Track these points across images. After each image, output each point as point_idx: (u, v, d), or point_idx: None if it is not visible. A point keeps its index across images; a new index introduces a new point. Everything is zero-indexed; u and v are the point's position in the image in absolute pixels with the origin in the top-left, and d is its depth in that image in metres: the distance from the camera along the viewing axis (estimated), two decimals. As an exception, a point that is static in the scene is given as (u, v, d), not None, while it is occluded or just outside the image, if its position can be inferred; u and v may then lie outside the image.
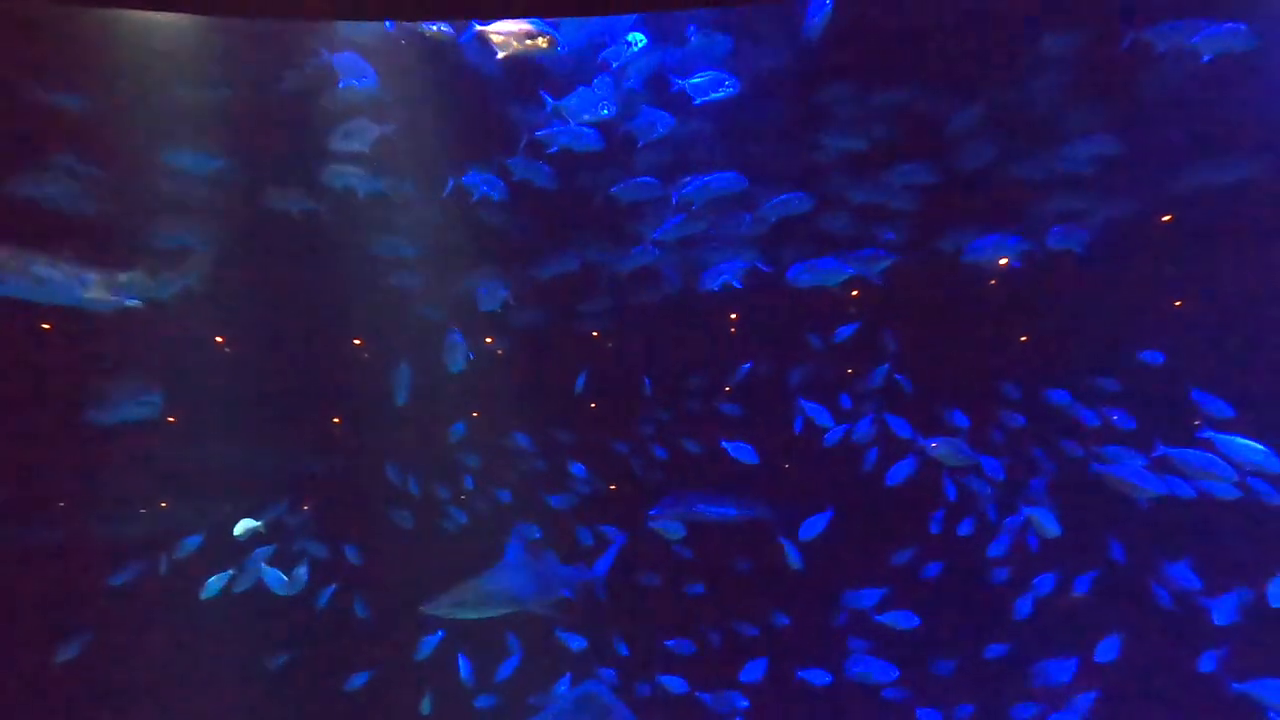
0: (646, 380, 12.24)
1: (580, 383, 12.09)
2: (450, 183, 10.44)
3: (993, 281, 11.60)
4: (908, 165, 10.64)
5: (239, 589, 11.10)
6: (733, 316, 12.44)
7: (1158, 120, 10.19)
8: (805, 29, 9.61)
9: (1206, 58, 9.16)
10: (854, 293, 11.70)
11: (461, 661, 11.50)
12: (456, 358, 11.57)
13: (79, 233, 10.40)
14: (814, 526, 10.76)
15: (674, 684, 11.30)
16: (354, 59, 9.55)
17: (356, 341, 12.50)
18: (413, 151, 10.50)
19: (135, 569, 11.46)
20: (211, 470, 12.10)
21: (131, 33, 9.44)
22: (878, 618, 10.95)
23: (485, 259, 11.70)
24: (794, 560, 10.70)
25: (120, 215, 10.81)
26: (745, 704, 11.37)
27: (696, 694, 11.41)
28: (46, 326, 11.31)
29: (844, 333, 11.34)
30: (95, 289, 10.42)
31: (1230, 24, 9.18)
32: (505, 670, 11.75)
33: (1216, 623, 10.19)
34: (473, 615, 10.75)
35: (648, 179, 10.42)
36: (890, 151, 10.72)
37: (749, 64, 9.79)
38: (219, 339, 12.15)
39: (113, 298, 10.55)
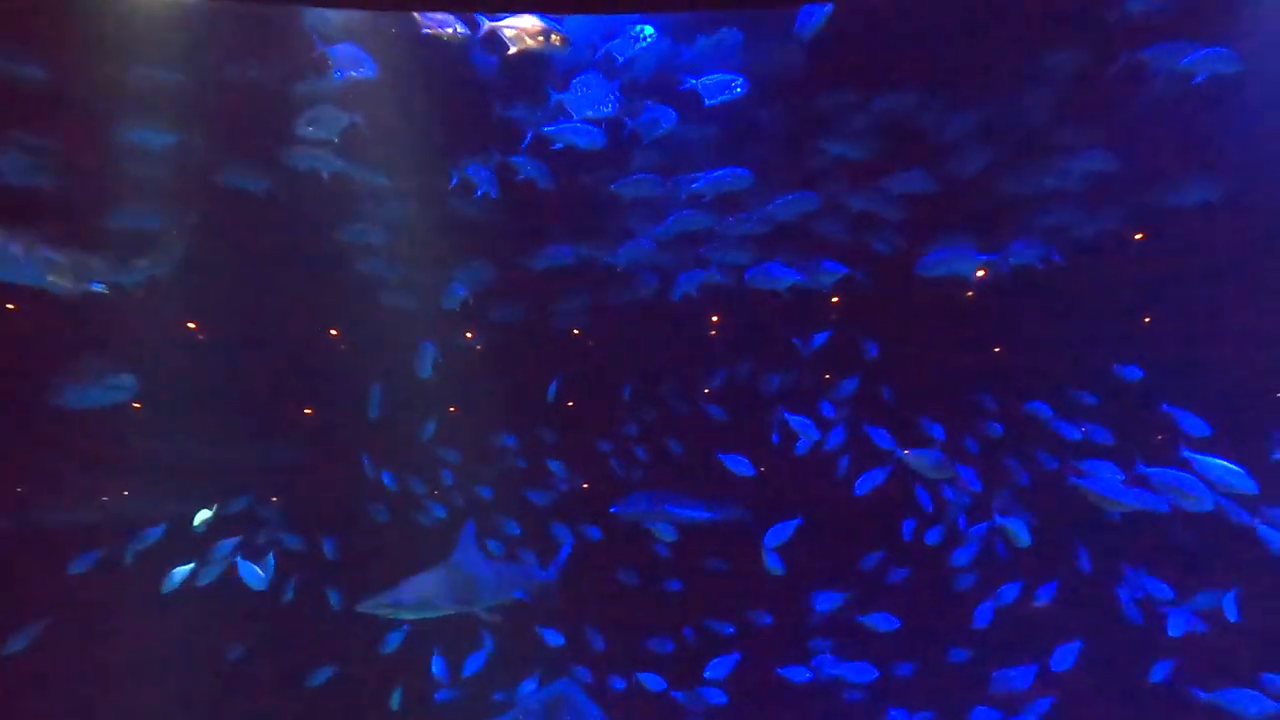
0: (626, 384, 12.25)
1: (553, 390, 12.04)
2: (455, 176, 10.32)
3: (970, 294, 11.76)
4: (892, 174, 10.74)
5: (204, 581, 10.91)
6: (714, 319, 12.49)
7: (1140, 138, 10.42)
8: (798, 28, 9.63)
9: (1200, 78, 9.37)
10: (834, 299, 11.79)
11: (435, 656, 11.38)
12: (425, 364, 11.61)
13: (39, 212, 10.20)
14: (782, 533, 10.80)
15: (650, 681, 11.29)
16: (352, 49, 9.38)
17: (333, 333, 12.30)
18: (407, 143, 10.39)
19: (96, 558, 11.12)
20: (177, 460, 11.85)
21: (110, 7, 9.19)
22: (860, 618, 11.05)
23: (467, 254, 11.60)
24: (774, 566, 10.74)
25: (84, 196, 10.56)
26: (723, 700, 11.40)
27: (670, 692, 11.42)
28: (11, 307, 10.97)
29: (818, 340, 11.41)
30: (60, 272, 10.11)
31: (1216, 48, 9.41)
32: (473, 665, 11.62)
33: (1171, 634, 10.48)
34: (411, 616, 10.58)
35: (646, 175, 10.43)
36: (875, 160, 10.81)
37: (749, 66, 9.85)
38: (191, 325, 11.88)
39: (78, 282, 10.25)
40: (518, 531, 12.35)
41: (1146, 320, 11.67)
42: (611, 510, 12.03)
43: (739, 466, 10.96)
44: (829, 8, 9.49)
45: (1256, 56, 9.47)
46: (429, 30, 8.64)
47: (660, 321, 12.07)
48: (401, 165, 10.72)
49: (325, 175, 10.51)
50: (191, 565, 10.82)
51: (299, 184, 10.68)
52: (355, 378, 11.95)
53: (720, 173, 10.18)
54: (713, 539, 12.31)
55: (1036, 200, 10.84)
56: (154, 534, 11.12)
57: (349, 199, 11.10)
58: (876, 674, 11.09)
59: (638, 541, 12.05)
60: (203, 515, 11.07)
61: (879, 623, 10.97)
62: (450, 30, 8.58)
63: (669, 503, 12.15)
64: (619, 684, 11.63)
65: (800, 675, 11.20)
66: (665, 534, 11.55)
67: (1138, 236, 11.43)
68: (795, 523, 10.74)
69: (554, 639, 11.45)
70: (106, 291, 10.54)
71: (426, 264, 11.65)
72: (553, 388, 12.03)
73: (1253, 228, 10.52)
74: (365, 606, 10.16)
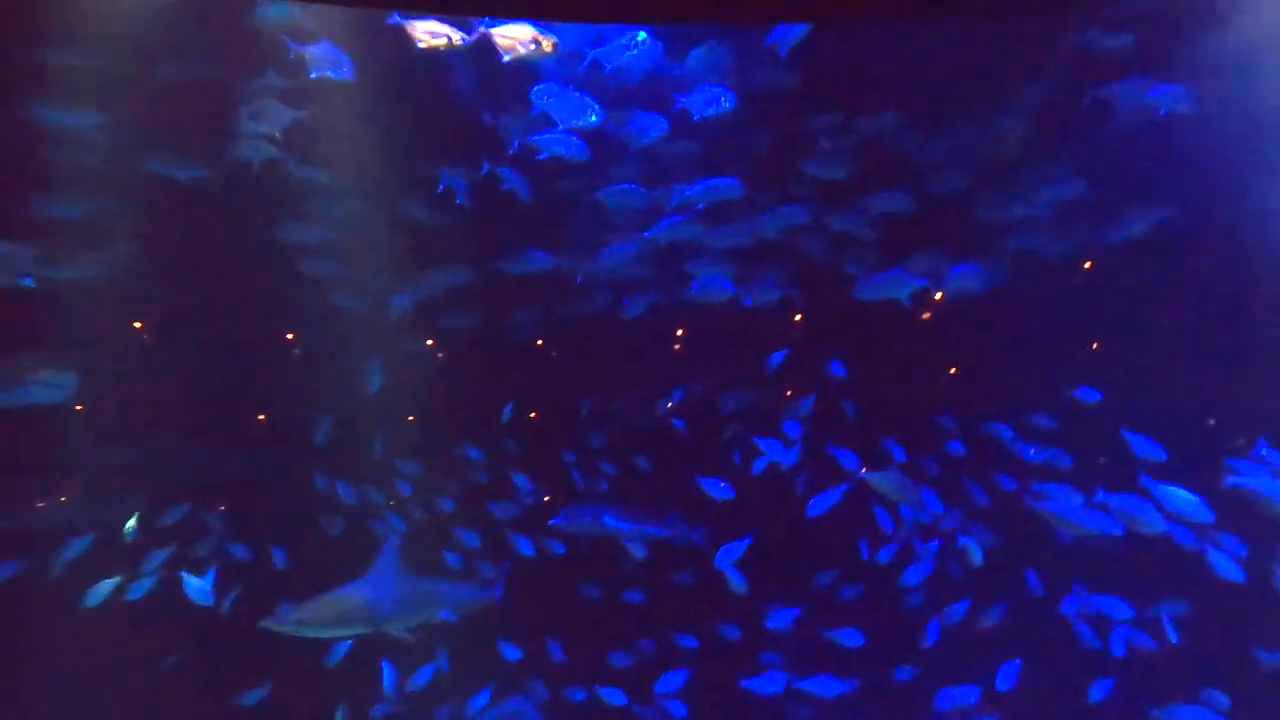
0: (587, 397, 12.21)
1: (508, 412, 11.89)
2: (443, 181, 10.17)
3: (926, 315, 11.93)
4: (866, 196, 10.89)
5: (141, 592, 10.52)
6: (679, 333, 12.46)
7: (1104, 166, 10.78)
8: (775, 39, 9.71)
9: (1163, 111, 9.83)
10: (797, 317, 11.88)
11: (386, 669, 11.06)
12: (371, 381, 11.47)
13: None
14: (733, 552, 10.74)
15: (609, 695, 11.15)
16: (329, 49, 9.22)
17: (289, 337, 11.99)
18: (378, 146, 10.27)
19: (23, 566, 10.64)
20: (119, 464, 11.42)
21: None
22: (826, 634, 11.11)
23: (435, 260, 11.46)
24: (737, 584, 10.72)
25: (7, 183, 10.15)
26: (682, 713, 11.34)
27: (631, 707, 11.32)
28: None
29: (777, 358, 11.44)
30: None
31: (1174, 87, 9.89)
32: (420, 680, 11.24)
33: (1116, 653, 10.73)
34: (322, 634, 10.21)
35: (631, 185, 10.47)
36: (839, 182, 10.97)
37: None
38: (137, 324, 11.46)
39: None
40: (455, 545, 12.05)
41: (1095, 345, 11.99)
42: (550, 523, 11.88)
43: (717, 490, 10.89)
44: (804, 27, 9.62)
45: (1211, 89, 9.92)
46: (424, 44, 8.48)
47: (623, 334, 12.01)
48: (370, 169, 10.55)
49: (282, 172, 10.37)
50: (119, 578, 10.41)
51: (253, 182, 10.42)
52: (310, 383, 11.70)
53: (711, 182, 10.24)
54: (663, 554, 12.23)
55: (1005, 225, 11.11)
56: (82, 544, 10.68)
57: (307, 199, 10.88)
58: (843, 688, 11.13)
59: (593, 555, 11.95)
60: (130, 524, 10.67)
61: (843, 638, 11.03)
62: (445, 40, 8.43)
63: (608, 516, 12.04)
64: (578, 697, 11.49)
65: (764, 687, 11.19)
66: (635, 552, 11.46)
67: (1086, 265, 11.75)
68: (746, 541, 10.71)
69: (510, 653, 11.25)
70: (34, 286, 10.17)
71: (390, 269, 11.47)
72: (508, 409, 11.88)
73: (1208, 254, 10.87)
74: (270, 623, 9.76)
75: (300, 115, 9.85)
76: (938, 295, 11.38)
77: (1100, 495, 9.53)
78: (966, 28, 10.15)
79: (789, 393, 11.90)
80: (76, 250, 10.54)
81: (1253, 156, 10.12)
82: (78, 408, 11.00)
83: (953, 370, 12.48)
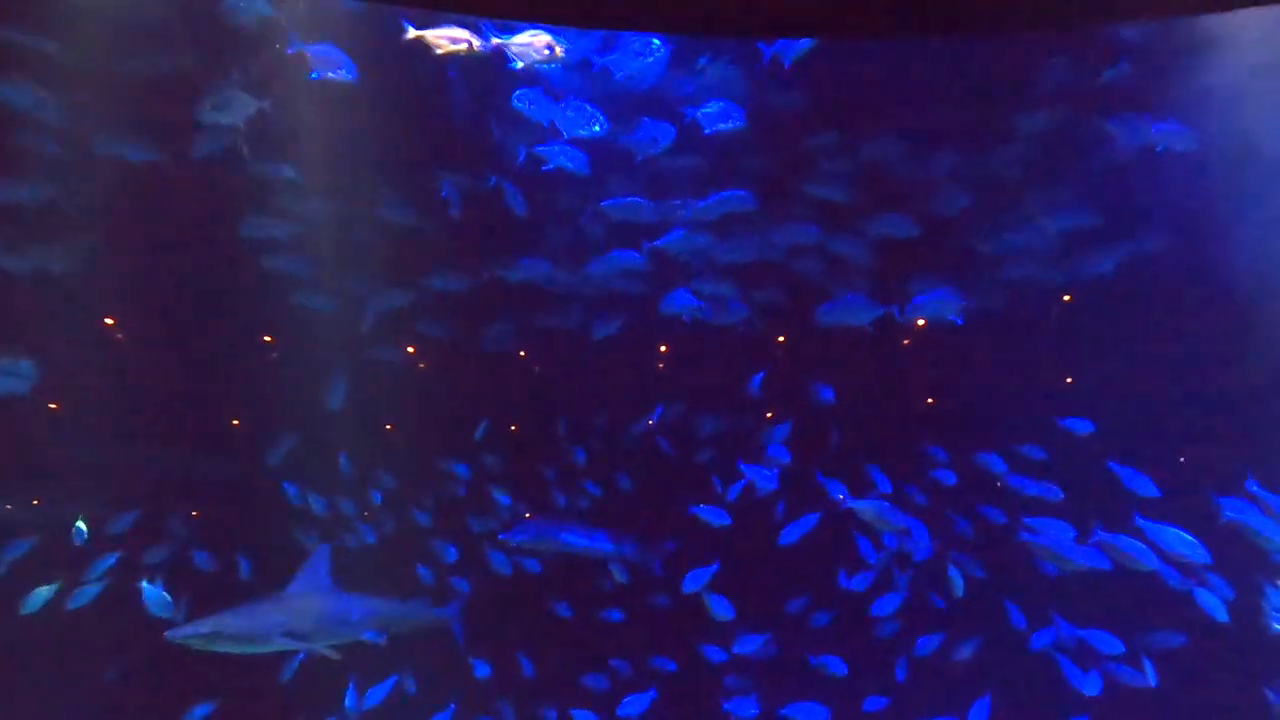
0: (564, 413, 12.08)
1: (481, 431, 11.70)
2: (444, 188, 10.05)
3: (906, 341, 11.91)
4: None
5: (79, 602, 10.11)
6: (662, 349, 12.32)
7: (1098, 195, 10.85)
8: (778, 50, 9.66)
9: (1161, 147, 9.97)
10: (780, 338, 11.80)
11: (350, 687, 10.65)
12: (335, 397, 11.28)
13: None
14: (699, 578, 10.61)
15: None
16: (331, 50, 9.04)
17: (268, 339, 11.73)
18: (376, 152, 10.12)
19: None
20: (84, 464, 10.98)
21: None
22: (814, 660, 10.98)
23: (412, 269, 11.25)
24: (721, 611, 10.57)
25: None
26: None
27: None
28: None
29: (755, 381, 11.35)
30: None
31: (1171, 123, 10.05)
32: (375, 697, 10.80)
33: (1091, 692, 10.64)
34: (233, 649, 9.54)
35: (637, 198, 10.37)
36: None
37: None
38: (109, 320, 11.16)
39: None
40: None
41: (1069, 380, 12.04)
42: (501, 537, 11.64)
43: (713, 517, 10.76)
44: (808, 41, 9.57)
45: (1205, 121, 10.04)
46: (442, 50, 8.28)
47: (606, 348, 11.79)
48: (356, 172, 10.39)
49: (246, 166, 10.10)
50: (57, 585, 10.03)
51: (222, 177, 10.22)
52: (283, 387, 11.38)
53: (723, 194, 10.21)
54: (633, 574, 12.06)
55: (999, 253, 11.16)
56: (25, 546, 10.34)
57: (281, 198, 10.63)
58: (818, 717, 11.01)
59: (557, 573, 11.80)
60: (79, 526, 10.24)
61: (818, 666, 10.93)
62: (466, 45, 8.24)
63: (563, 531, 11.83)
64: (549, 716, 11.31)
65: (738, 710, 11.07)
66: (618, 574, 11.30)
67: (1065, 298, 11.82)
68: (714, 567, 10.59)
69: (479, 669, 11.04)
70: None
71: (374, 274, 11.28)
72: (481, 428, 11.69)
73: (1199, 286, 10.90)
74: (177, 634, 9.16)
75: (264, 105, 9.62)
76: (920, 322, 11.33)
77: (1098, 533, 9.50)
78: (965, 49, 10.22)
79: (770, 414, 11.79)
80: (35, 239, 10.28)
81: (1245, 188, 10.23)
82: (51, 406, 10.69)
83: (929, 400, 12.46)
